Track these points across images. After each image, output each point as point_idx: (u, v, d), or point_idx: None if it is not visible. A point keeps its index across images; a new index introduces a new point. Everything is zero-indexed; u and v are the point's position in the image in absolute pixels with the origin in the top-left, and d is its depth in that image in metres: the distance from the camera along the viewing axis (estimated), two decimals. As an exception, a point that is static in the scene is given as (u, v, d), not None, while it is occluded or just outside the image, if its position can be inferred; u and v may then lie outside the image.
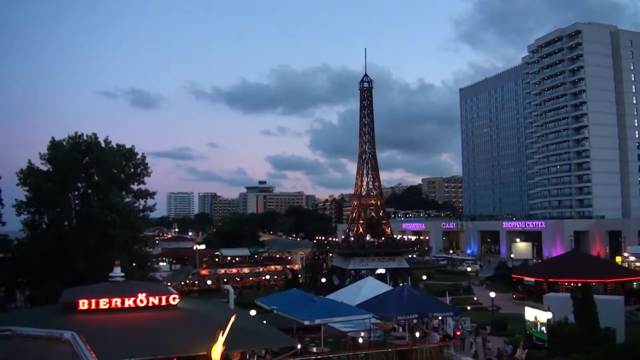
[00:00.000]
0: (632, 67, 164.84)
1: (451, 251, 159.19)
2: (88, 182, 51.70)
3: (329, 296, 47.64)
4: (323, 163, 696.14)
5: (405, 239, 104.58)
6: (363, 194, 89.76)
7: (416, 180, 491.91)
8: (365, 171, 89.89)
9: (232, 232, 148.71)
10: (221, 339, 18.50)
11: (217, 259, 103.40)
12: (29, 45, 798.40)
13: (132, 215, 51.17)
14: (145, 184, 55.15)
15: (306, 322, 33.20)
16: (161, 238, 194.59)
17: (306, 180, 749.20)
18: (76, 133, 51.71)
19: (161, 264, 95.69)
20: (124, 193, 53.84)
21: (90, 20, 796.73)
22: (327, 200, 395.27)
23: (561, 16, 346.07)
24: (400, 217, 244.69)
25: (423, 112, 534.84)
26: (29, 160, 50.95)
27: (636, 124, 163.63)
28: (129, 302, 24.73)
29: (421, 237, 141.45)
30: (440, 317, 45.06)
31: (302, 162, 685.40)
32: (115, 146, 53.87)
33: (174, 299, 25.72)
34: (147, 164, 55.01)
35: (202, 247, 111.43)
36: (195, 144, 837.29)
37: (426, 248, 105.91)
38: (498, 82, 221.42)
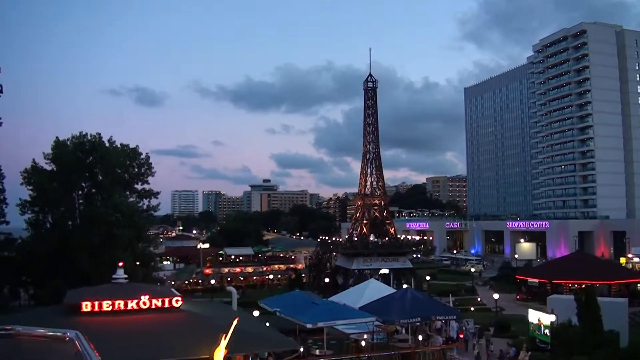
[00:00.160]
0: (637, 67, 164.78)
1: (455, 251, 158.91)
2: (92, 181, 51.71)
3: (332, 298, 47.60)
4: (327, 161, 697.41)
5: (409, 239, 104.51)
6: (367, 194, 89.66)
7: (420, 179, 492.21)
8: (369, 171, 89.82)
9: (236, 231, 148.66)
10: (224, 342, 18.49)
11: (221, 258, 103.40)
12: (33, 45, 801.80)
13: (136, 215, 51.18)
14: (149, 183, 55.20)
15: (309, 325, 33.20)
16: (165, 236, 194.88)
17: (310, 178, 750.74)
18: (80, 133, 51.77)
19: (165, 262, 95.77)
20: (127, 193, 53.86)
21: (94, 18, 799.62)
22: (331, 198, 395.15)
23: (566, 15, 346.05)
24: (404, 216, 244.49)
25: (428, 111, 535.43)
26: (33, 160, 51.05)
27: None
28: (131, 305, 24.74)
29: (425, 237, 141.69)
30: (443, 320, 45.05)
31: (306, 161, 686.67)
32: (119, 146, 53.89)
33: (176, 301, 25.70)
34: (150, 163, 55.04)
35: (206, 246, 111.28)
36: (199, 142, 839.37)
37: (430, 248, 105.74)
38: (503, 81, 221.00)
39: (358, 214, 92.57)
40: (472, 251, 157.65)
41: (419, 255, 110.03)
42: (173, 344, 22.56)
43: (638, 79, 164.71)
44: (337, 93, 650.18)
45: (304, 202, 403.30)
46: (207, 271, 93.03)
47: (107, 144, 52.53)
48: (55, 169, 50.37)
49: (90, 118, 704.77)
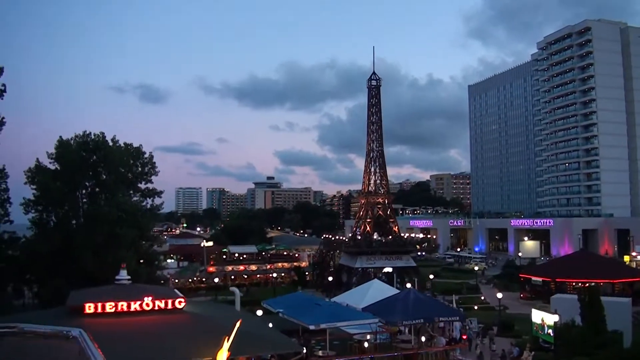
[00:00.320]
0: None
1: (459, 249, 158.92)
2: (96, 180, 51.72)
3: (336, 298, 47.69)
4: (331, 158, 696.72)
5: (413, 237, 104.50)
6: (370, 192, 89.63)
7: (424, 175, 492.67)
8: (372, 169, 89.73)
9: (239, 228, 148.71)
10: (226, 344, 18.49)
11: (224, 256, 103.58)
12: (36, 43, 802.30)
13: (140, 214, 51.24)
14: (152, 182, 55.22)
15: (312, 327, 33.27)
16: (169, 233, 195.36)
17: (314, 175, 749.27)
18: (84, 132, 51.79)
19: (169, 261, 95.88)
20: (131, 192, 53.92)
21: (98, 15, 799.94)
22: (334, 196, 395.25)
23: (571, 11, 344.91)
24: (408, 213, 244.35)
25: (432, 108, 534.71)
26: (37, 159, 51.11)
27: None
28: (134, 306, 24.80)
29: (429, 235, 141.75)
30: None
31: (310, 158, 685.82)
32: (122, 145, 53.92)
33: (179, 302, 25.76)
34: (154, 162, 55.06)
35: (210, 244, 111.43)
36: (204, 139, 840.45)
37: (433, 246, 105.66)
38: (507, 78, 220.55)
39: (362, 213, 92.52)
40: (476, 249, 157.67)
41: (423, 253, 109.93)
42: (176, 346, 22.61)
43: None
44: (341, 90, 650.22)
45: (308, 200, 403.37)
46: (211, 269, 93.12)
47: (111, 143, 52.54)
48: (59, 168, 50.42)
49: (95, 116, 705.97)
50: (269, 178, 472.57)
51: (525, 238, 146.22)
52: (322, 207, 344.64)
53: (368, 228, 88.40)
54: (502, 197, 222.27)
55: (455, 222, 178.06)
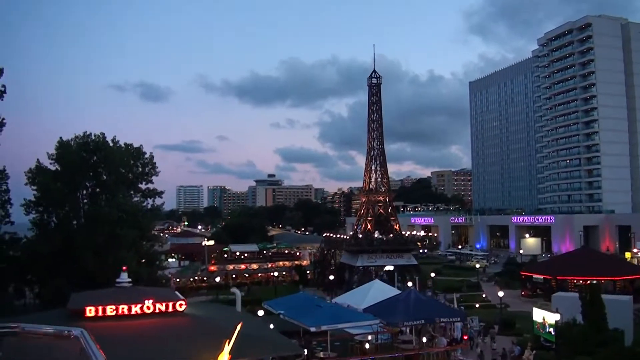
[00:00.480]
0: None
1: (460, 246, 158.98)
2: (96, 181, 51.68)
3: (337, 299, 47.71)
4: (332, 155, 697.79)
5: (414, 235, 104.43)
6: (371, 190, 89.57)
7: (425, 172, 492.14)
8: (373, 167, 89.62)
9: (241, 226, 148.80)
10: (227, 347, 18.50)
11: (225, 255, 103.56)
12: (36, 43, 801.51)
13: (140, 215, 51.22)
14: (153, 183, 55.19)
15: (312, 329, 33.28)
16: (170, 232, 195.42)
17: (315, 172, 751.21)
18: (84, 133, 51.78)
19: (170, 260, 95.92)
20: (132, 192, 53.89)
21: (98, 14, 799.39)
22: (335, 193, 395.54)
23: (572, 7, 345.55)
24: (409, 210, 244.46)
25: (433, 104, 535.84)
26: (38, 160, 51.11)
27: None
28: (135, 309, 24.77)
29: (430, 233, 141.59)
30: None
31: (311, 155, 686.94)
32: (123, 145, 53.88)
33: (180, 305, 25.73)
34: (154, 163, 54.98)
35: (211, 242, 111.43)
36: (204, 137, 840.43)
37: (435, 243, 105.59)
38: (508, 75, 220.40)
39: (362, 211, 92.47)
40: (477, 246, 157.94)
41: (425, 251, 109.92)
42: (176, 349, 22.55)
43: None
44: (341, 87, 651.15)
45: (309, 197, 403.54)
46: (212, 268, 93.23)
47: (111, 144, 52.52)
48: (59, 169, 50.40)
49: (95, 115, 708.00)
50: (269, 175, 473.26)
51: (527, 235, 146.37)
52: (323, 205, 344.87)
53: (369, 226, 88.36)
54: (503, 193, 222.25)
55: (456, 219, 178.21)
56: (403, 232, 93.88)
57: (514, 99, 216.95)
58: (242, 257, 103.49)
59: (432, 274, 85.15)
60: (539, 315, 43.52)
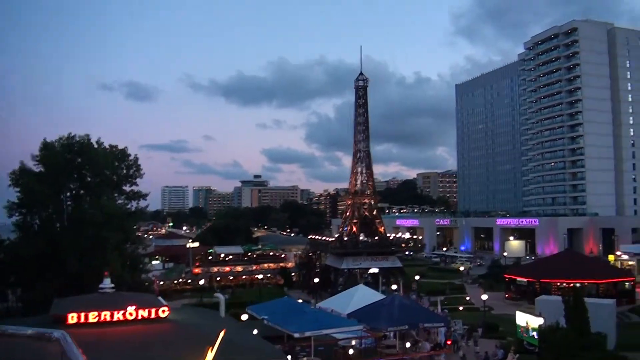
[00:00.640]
0: (627, 65, 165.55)
1: (445, 248, 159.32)
2: (80, 183, 51.29)
3: (321, 304, 47.68)
4: (318, 156, 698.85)
5: (399, 237, 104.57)
6: (357, 193, 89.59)
7: (411, 173, 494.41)
8: (359, 170, 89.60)
9: (226, 227, 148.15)
10: (210, 355, 18.42)
11: (210, 257, 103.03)
12: (21, 39, 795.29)
13: (124, 217, 50.88)
14: (137, 185, 54.83)
15: (296, 335, 33.23)
16: (155, 233, 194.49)
17: (301, 173, 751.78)
18: (69, 134, 51.28)
19: (154, 262, 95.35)
20: (116, 195, 53.51)
21: (86, 12, 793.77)
22: (321, 194, 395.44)
23: (560, 10, 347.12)
24: (394, 212, 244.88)
25: (419, 106, 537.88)
26: (21, 162, 50.59)
27: (631, 122, 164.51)
28: (118, 315, 24.60)
29: (415, 235, 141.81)
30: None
31: (297, 155, 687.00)
32: (107, 147, 53.49)
33: (163, 311, 25.58)
34: (139, 165, 54.54)
35: (196, 244, 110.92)
36: (191, 137, 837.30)
37: (420, 245, 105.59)
38: (494, 78, 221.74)
39: (348, 213, 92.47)
40: (462, 248, 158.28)
41: (411, 253, 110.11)
42: (159, 356, 22.46)
43: (629, 76, 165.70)
44: (329, 87, 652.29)
45: (295, 198, 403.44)
46: (197, 270, 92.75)
47: (96, 145, 52.12)
48: (43, 170, 49.97)
49: (81, 114, 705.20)
50: (255, 176, 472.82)
51: (511, 237, 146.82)
52: (309, 206, 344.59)
53: (354, 229, 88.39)
54: (488, 195, 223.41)
55: (441, 221, 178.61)
56: (388, 235, 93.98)
57: (500, 101, 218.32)
58: (227, 259, 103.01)
59: (417, 277, 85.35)
60: (523, 319, 43.65)
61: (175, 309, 29.82)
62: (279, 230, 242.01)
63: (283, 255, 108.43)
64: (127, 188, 54.52)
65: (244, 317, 41.38)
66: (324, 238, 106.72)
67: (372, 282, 76.73)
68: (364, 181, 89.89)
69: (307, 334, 33.75)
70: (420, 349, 40.05)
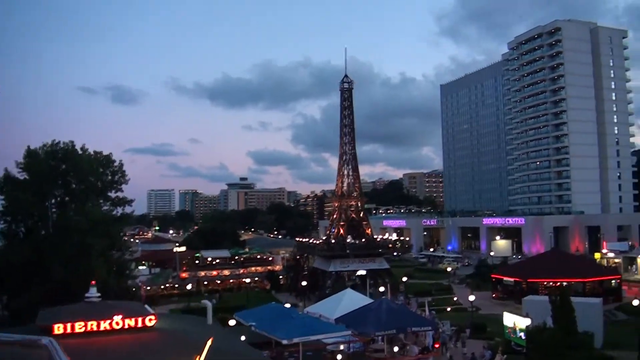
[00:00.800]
0: (611, 64, 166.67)
1: (432, 249, 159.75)
2: (65, 190, 51.08)
3: (309, 308, 47.59)
4: (305, 158, 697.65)
5: (386, 239, 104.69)
6: (344, 195, 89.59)
7: (397, 173, 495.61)
8: (346, 172, 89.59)
9: (212, 230, 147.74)
10: (198, 364, 18.38)
11: (197, 261, 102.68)
12: (5, 43, 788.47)
13: (110, 223, 50.61)
14: (122, 191, 54.62)
15: (285, 341, 33.14)
16: (140, 237, 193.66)
17: (288, 175, 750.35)
18: (53, 141, 51.06)
19: (140, 267, 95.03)
20: (101, 201, 53.24)
21: (70, 14, 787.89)
22: (308, 196, 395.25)
23: (544, 10, 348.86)
24: (381, 213, 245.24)
25: (404, 106, 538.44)
26: (6, 169, 50.27)
27: (615, 120, 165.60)
28: (104, 325, 24.37)
29: (402, 237, 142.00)
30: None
31: (283, 157, 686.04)
32: (92, 153, 53.24)
33: (150, 320, 25.41)
34: (124, 171, 54.39)
35: (182, 249, 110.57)
36: (176, 140, 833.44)
37: (407, 246, 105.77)
38: (478, 78, 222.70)
39: (335, 215, 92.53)
40: (449, 248, 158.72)
41: (400, 254, 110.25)
42: (147, 365, 22.36)
43: (612, 75, 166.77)
44: (314, 89, 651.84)
45: (282, 200, 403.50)
46: (184, 275, 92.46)
47: (80, 152, 51.87)
48: (27, 178, 49.66)
49: (65, 117, 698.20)
50: (242, 179, 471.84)
51: (497, 237, 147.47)
52: (296, 208, 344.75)
53: (341, 231, 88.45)
54: (474, 195, 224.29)
55: (428, 222, 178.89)
56: (375, 236, 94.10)
57: (484, 101, 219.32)
58: (214, 263, 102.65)
59: (404, 278, 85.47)
60: (510, 319, 43.87)
61: (162, 315, 29.65)
62: (266, 233, 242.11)
63: (270, 259, 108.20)
64: (112, 194, 54.35)
65: (232, 322, 41.21)
66: (311, 240, 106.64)
67: (360, 283, 76.85)
68: (351, 183, 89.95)
69: (295, 340, 33.63)
70: (408, 352, 40.07)
